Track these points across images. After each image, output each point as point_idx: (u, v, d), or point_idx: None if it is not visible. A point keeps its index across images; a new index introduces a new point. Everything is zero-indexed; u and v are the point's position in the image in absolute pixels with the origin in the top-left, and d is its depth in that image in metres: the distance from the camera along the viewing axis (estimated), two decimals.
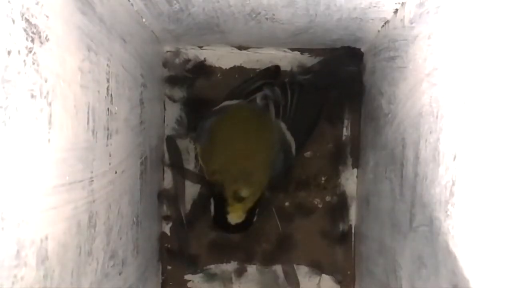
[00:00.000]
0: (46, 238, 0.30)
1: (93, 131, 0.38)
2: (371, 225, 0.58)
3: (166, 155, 0.66)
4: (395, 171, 0.48)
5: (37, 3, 0.28)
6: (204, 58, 0.66)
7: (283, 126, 0.60)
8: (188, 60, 0.66)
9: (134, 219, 0.51)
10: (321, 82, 0.61)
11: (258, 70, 0.66)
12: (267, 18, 0.52)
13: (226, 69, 0.66)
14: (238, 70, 0.66)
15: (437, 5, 0.38)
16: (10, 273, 0.26)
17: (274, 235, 0.67)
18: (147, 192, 0.57)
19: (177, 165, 0.66)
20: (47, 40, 0.29)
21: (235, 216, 0.58)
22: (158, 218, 0.65)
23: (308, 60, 0.65)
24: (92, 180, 0.38)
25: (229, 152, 0.58)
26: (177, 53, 0.65)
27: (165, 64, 0.65)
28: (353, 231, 0.67)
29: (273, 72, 0.64)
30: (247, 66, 0.66)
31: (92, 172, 0.37)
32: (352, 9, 0.48)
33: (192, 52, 0.66)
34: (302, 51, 0.66)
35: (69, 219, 0.34)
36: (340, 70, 0.62)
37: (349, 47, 0.63)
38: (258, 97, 0.60)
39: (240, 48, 0.66)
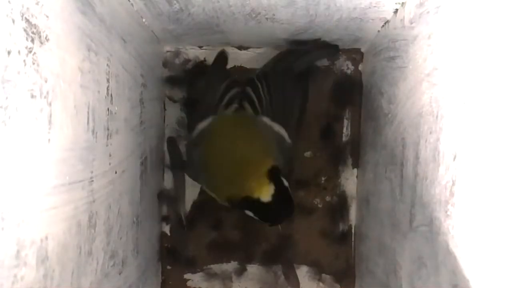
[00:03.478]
0: (46, 238, 0.30)
1: (93, 131, 0.38)
2: (371, 225, 0.58)
3: (167, 156, 0.66)
4: (395, 171, 0.48)
5: (37, 3, 0.28)
6: (204, 58, 0.66)
7: (266, 120, 0.57)
8: (188, 60, 0.65)
9: (134, 219, 0.51)
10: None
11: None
12: (267, 18, 0.52)
13: (226, 69, 0.66)
14: (238, 70, 0.66)
15: (437, 5, 0.38)
16: (10, 273, 0.26)
17: (274, 235, 0.67)
18: (147, 192, 0.57)
19: (177, 165, 0.66)
20: (47, 40, 0.29)
21: (264, 193, 0.53)
22: (158, 218, 0.65)
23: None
24: (92, 180, 0.38)
25: (231, 169, 0.55)
26: (177, 53, 0.65)
27: (165, 64, 0.65)
28: (353, 231, 0.67)
29: (221, 60, 0.62)
30: (247, 66, 0.66)
31: (92, 172, 0.37)
32: (352, 9, 0.48)
33: (192, 52, 0.66)
34: None
35: (69, 219, 0.34)
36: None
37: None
38: (231, 102, 0.58)
39: (240, 48, 0.66)
